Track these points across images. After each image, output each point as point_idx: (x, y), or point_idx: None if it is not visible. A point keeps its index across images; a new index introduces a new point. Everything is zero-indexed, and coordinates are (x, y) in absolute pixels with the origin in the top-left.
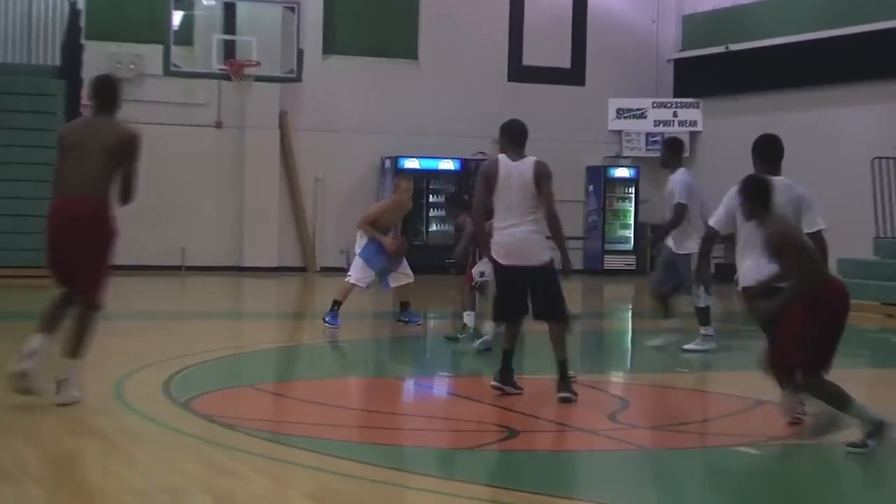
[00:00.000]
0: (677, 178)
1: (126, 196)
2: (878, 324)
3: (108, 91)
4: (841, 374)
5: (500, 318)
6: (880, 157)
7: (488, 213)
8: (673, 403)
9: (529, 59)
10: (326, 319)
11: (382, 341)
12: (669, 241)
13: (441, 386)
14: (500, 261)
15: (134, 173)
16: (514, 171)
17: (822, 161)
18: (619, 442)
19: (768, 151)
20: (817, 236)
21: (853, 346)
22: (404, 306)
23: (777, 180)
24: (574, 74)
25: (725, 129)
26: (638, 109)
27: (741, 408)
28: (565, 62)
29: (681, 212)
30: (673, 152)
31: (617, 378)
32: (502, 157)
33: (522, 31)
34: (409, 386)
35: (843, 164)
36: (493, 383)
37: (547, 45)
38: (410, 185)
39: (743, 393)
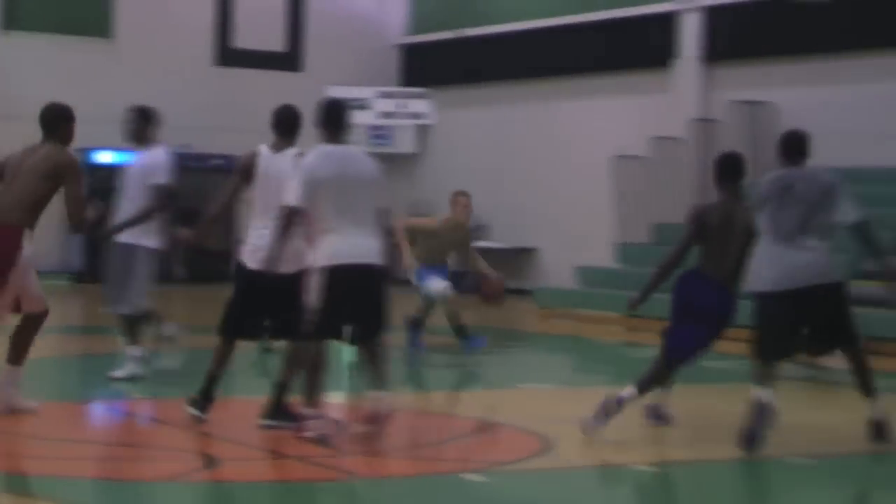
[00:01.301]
0: (161, 155)
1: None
2: (620, 337)
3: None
4: (579, 393)
5: (231, 332)
6: (622, 156)
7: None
8: (394, 426)
9: (240, 40)
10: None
11: (69, 360)
12: (126, 236)
13: (137, 410)
14: (250, 264)
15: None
16: (272, 166)
17: (561, 158)
18: (329, 470)
19: None
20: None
21: (592, 362)
22: (461, 331)
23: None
24: (289, 59)
25: (458, 122)
26: (361, 99)
27: (469, 430)
28: (280, 45)
29: (167, 195)
30: (148, 121)
31: (334, 398)
32: (263, 147)
33: (233, 8)
34: (95, 410)
35: (583, 163)
36: (193, 412)
37: (260, 25)
38: (469, 201)
39: (471, 414)
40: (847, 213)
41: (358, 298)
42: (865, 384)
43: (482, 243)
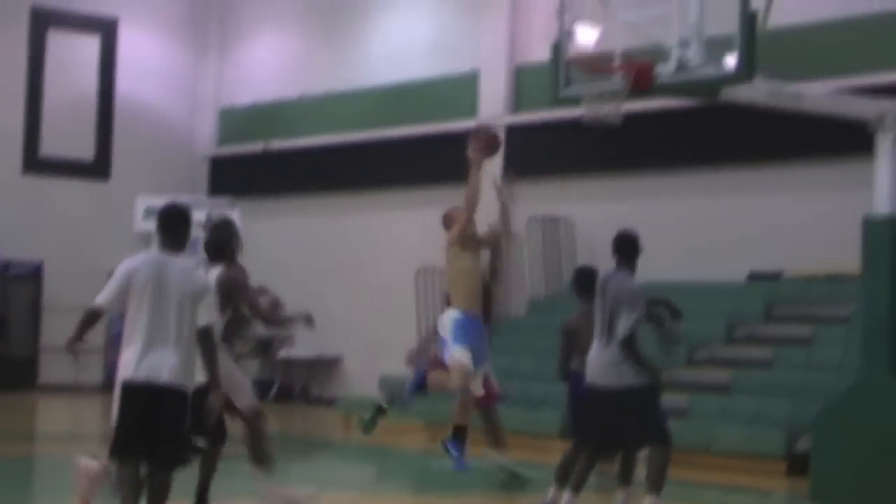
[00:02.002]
0: None
1: None
2: (422, 445)
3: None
4: (378, 501)
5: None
6: (425, 268)
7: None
8: None
9: (48, 149)
10: (455, 457)
11: None
12: None
13: None
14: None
15: None
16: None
17: (367, 269)
18: None
19: None
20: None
21: (392, 470)
22: (460, 432)
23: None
24: (98, 168)
25: (265, 232)
26: None
27: None
28: (88, 154)
29: None
30: None
31: None
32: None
33: (41, 117)
34: None
35: (388, 273)
36: None
37: (69, 134)
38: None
39: None
40: (621, 326)
41: (147, 422)
42: (654, 485)
43: (284, 352)
